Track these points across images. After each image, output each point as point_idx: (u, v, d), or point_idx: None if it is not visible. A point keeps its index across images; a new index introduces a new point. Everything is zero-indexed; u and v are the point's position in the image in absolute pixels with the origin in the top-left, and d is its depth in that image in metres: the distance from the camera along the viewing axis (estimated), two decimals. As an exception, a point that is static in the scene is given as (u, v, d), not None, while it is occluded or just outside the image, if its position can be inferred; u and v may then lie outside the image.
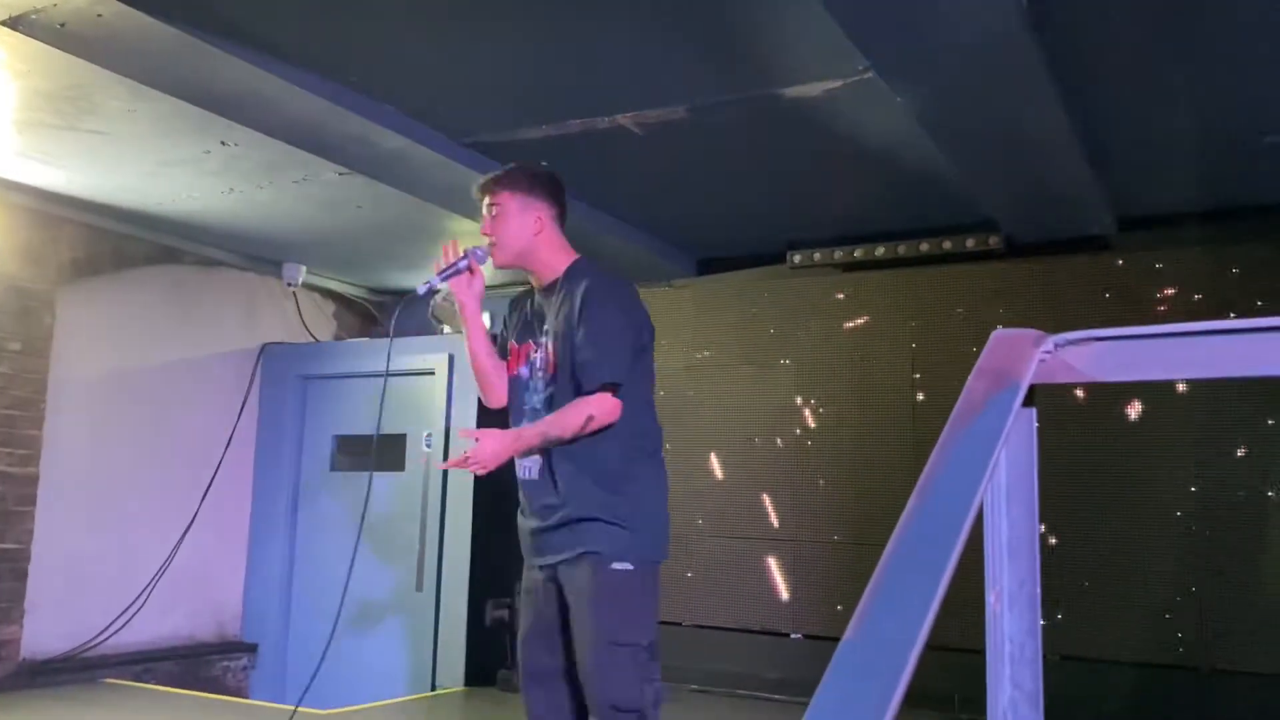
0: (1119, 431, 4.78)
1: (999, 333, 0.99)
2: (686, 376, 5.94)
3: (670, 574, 5.69)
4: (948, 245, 5.25)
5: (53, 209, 5.34)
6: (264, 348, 6.46)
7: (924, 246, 5.29)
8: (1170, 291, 4.77)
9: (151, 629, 5.74)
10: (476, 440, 2.60)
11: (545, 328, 2.73)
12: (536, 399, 2.70)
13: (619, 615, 2.58)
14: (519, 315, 2.87)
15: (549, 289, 2.76)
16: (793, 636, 5.34)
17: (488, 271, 2.85)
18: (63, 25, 3.27)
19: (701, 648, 5.59)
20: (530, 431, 2.63)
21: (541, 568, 2.71)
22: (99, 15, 3.21)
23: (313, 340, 6.63)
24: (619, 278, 2.81)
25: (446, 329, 6.14)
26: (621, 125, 4.22)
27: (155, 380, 5.88)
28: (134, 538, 5.72)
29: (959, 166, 4.30)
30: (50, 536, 5.28)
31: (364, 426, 6.14)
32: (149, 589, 5.73)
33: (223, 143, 4.47)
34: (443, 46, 3.63)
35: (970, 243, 5.19)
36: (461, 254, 2.77)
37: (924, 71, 3.46)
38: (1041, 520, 1.05)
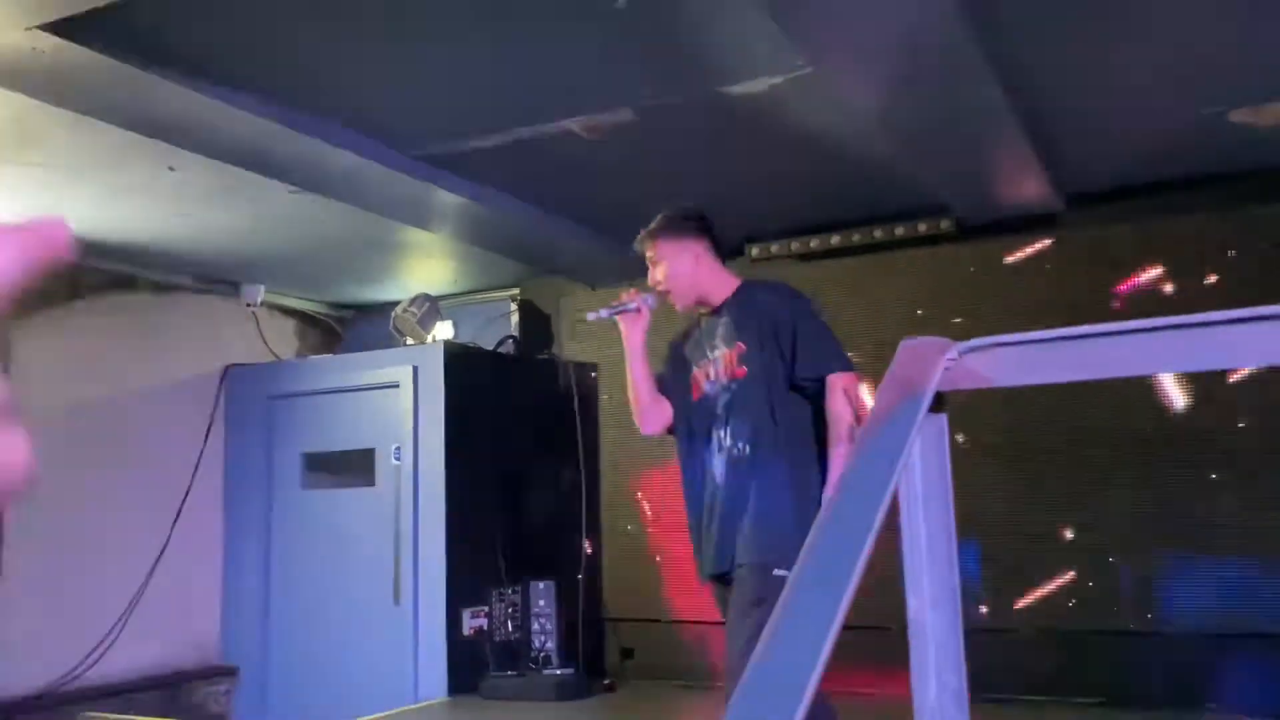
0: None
1: (906, 342, 1.02)
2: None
3: (647, 570, 5.73)
4: (900, 231, 5.30)
5: (3, 243, 5.29)
6: (227, 369, 6.43)
7: (877, 233, 5.34)
8: (1119, 264, 4.84)
9: (129, 660, 5.71)
10: None
11: (715, 344, 2.97)
12: (718, 406, 2.87)
13: None
14: (688, 344, 3.07)
15: (716, 311, 3.01)
16: (771, 626, 5.39)
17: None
18: (-3, 62, 3.25)
19: (683, 643, 5.63)
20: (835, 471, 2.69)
21: None
22: (35, 49, 3.19)
23: (276, 359, 6.60)
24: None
25: (409, 340, 6.13)
26: (570, 130, 4.24)
27: (118, 409, 5.84)
28: (106, 569, 5.68)
29: (905, 153, 4.35)
30: (19, 572, 5.23)
31: (333, 443, 6.12)
32: (124, 619, 5.69)
33: (170, 168, 4.45)
34: (386, 60, 3.63)
35: (922, 227, 5.25)
36: (635, 298, 3.06)
37: (861, 63, 3.50)
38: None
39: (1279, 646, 4.33)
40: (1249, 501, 4.46)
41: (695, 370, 2.96)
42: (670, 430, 3.10)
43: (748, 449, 2.74)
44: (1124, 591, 4.70)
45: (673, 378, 3.06)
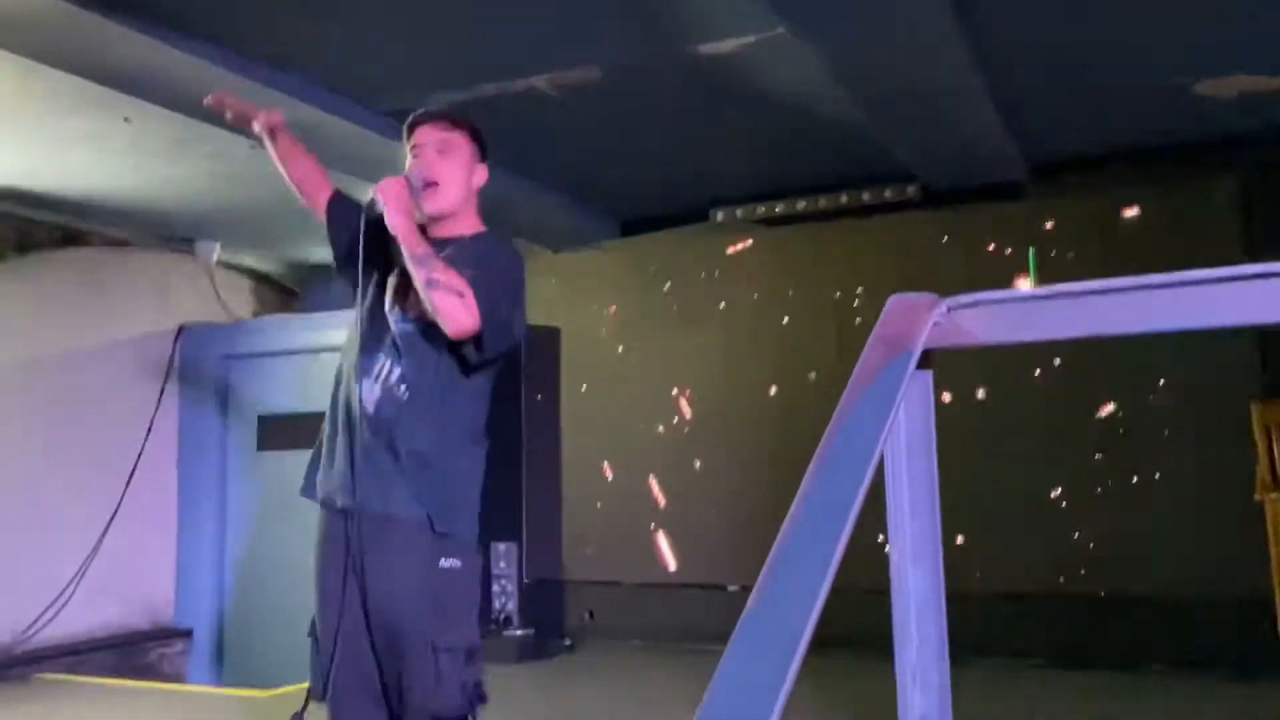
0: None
1: (895, 298, 1.01)
2: (617, 337, 5.94)
3: (621, 531, 5.75)
4: (866, 197, 5.31)
5: (-52, 194, 5.14)
6: (181, 329, 6.32)
7: (844, 199, 5.35)
8: (1081, 232, 4.89)
9: (83, 621, 5.63)
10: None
11: None
12: (394, 333, 2.48)
13: None
14: (381, 240, 2.51)
15: (440, 242, 2.50)
16: (730, 589, 5.42)
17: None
18: (-58, 4, 3.13)
19: (642, 606, 5.66)
20: (422, 241, 2.36)
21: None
22: (-16, -7, 3.08)
23: (232, 320, 6.50)
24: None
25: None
26: (536, 88, 4.18)
27: (69, 367, 5.72)
28: (57, 529, 5.58)
29: (873, 119, 4.34)
30: (-33, 533, 5.14)
31: (289, 405, 6.04)
32: (76, 580, 5.61)
33: (125, 119, 4.33)
34: (350, 13, 3.55)
35: (888, 193, 5.26)
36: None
37: (834, 25, 3.47)
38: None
39: (1225, 610, 4.44)
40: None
41: (392, 278, 2.54)
42: (328, 224, 2.64)
43: (406, 394, 2.46)
44: (1074, 556, 4.79)
45: (360, 263, 2.55)
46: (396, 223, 2.38)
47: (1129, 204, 4.82)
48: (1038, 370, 4.87)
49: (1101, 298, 0.88)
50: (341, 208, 2.61)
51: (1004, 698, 4.14)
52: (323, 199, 2.64)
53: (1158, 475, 4.68)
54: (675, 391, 5.76)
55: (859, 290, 5.33)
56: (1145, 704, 4.10)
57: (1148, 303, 0.84)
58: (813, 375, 5.38)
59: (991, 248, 5.04)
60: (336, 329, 5.73)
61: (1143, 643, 4.56)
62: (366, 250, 2.48)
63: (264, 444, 6.13)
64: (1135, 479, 4.70)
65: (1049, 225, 4.97)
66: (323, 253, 6.74)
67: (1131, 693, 4.25)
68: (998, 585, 4.80)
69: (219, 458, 6.15)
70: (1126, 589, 4.65)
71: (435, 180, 2.52)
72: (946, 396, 4.79)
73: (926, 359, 0.97)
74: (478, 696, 2.38)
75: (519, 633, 5.43)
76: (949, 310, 0.95)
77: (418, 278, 2.33)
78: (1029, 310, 0.93)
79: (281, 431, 6.14)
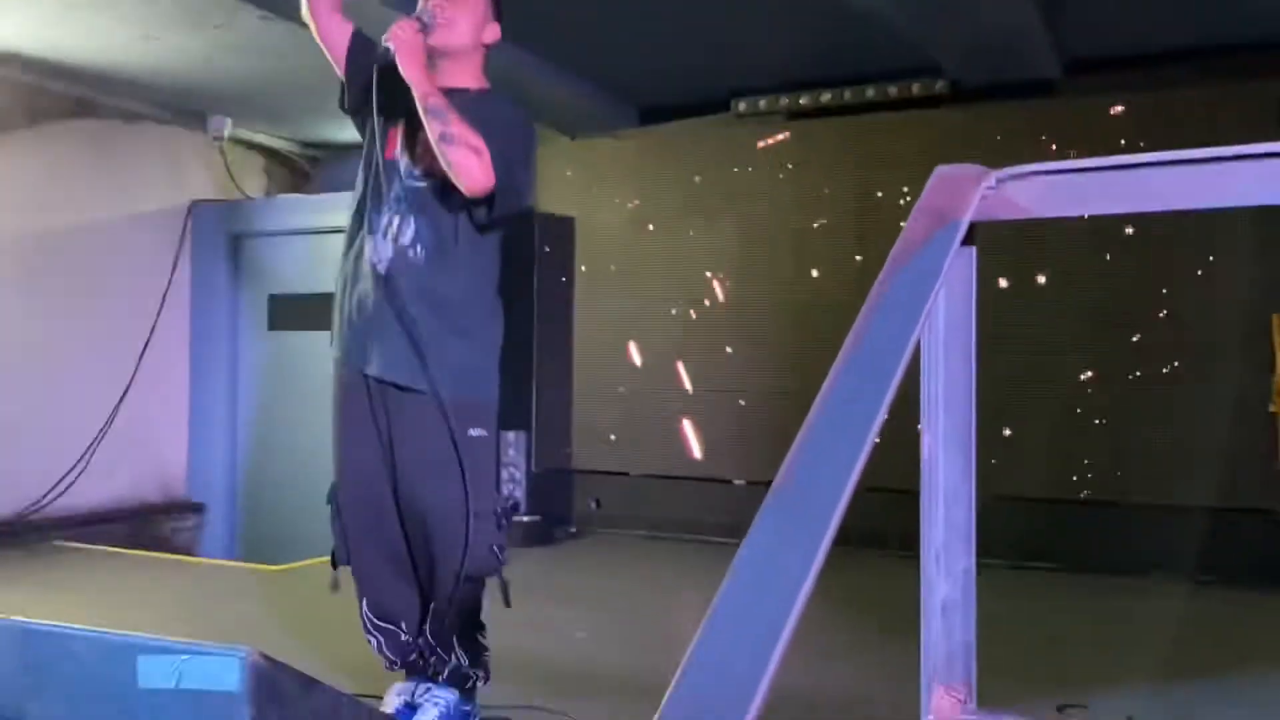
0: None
1: (941, 169, 0.96)
2: (633, 228, 5.86)
3: (637, 422, 5.75)
4: (893, 91, 5.16)
5: (-47, 59, 5.04)
6: (193, 205, 6.26)
7: (870, 92, 5.20)
8: (1116, 135, 4.75)
9: (97, 492, 5.71)
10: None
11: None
12: (401, 188, 2.43)
13: None
14: (392, 87, 2.40)
15: (445, 92, 2.40)
16: (736, 483, 5.46)
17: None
18: None
19: (649, 496, 5.71)
20: (436, 92, 2.29)
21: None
22: None
23: (243, 197, 6.42)
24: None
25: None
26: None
27: (80, 239, 5.68)
28: (71, 401, 5.62)
29: (904, 8, 4.19)
30: (-17, 402, 5.18)
31: (300, 285, 6.02)
32: (90, 452, 5.67)
33: (133, -16, 4.21)
34: (363, -124, 3.40)
35: (916, 88, 5.11)
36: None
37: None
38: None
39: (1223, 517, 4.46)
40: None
41: (392, 126, 2.45)
42: (346, 63, 2.51)
43: (422, 254, 2.38)
44: (1084, 462, 4.79)
45: (363, 102, 2.43)
46: (410, 73, 2.30)
47: (1168, 105, 4.67)
48: (1108, 254, 4.75)
49: (1156, 170, 0.83)
50: (361, 49, 2.49)
51: (1013, 597, 4.18)
52: (340, 31, 2.51)
53: (1180, 365, 4.62)
54: (699, 280, 5.70)
55: (884, 186, 5.21)
56: (1151, 610, 4.14)
57: (1205, 177, 0.79)
58: (833, 270, 5.31)
59: (1022, 145, 4.89)
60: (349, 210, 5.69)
61: (1152, 549, 4.57)
62: (377, 98, 2.40)
63: (275, 323, 6.13)
64: (1166, 369, 4.64)
65: (1081, 124, 4.83)
66: (335, 132, 6.63)
67: (1138, 598, 4.29)
68: (1007, 484, 4.80)
69: (230, 335, 6.17)
70: (1141, 494, 4.66)
71: (444, 23, 2.44)
72: (1004, 282, 4.71)
73: (970, 235, 0.93)
74: (503, 557, 2.43)
75: (525, 519, 5.50)
76: (998, 182, 0.90)
77: (431, 131, 2.27)
78: (1081, 183, 0.89)
79: (293, 311, 6.12)
